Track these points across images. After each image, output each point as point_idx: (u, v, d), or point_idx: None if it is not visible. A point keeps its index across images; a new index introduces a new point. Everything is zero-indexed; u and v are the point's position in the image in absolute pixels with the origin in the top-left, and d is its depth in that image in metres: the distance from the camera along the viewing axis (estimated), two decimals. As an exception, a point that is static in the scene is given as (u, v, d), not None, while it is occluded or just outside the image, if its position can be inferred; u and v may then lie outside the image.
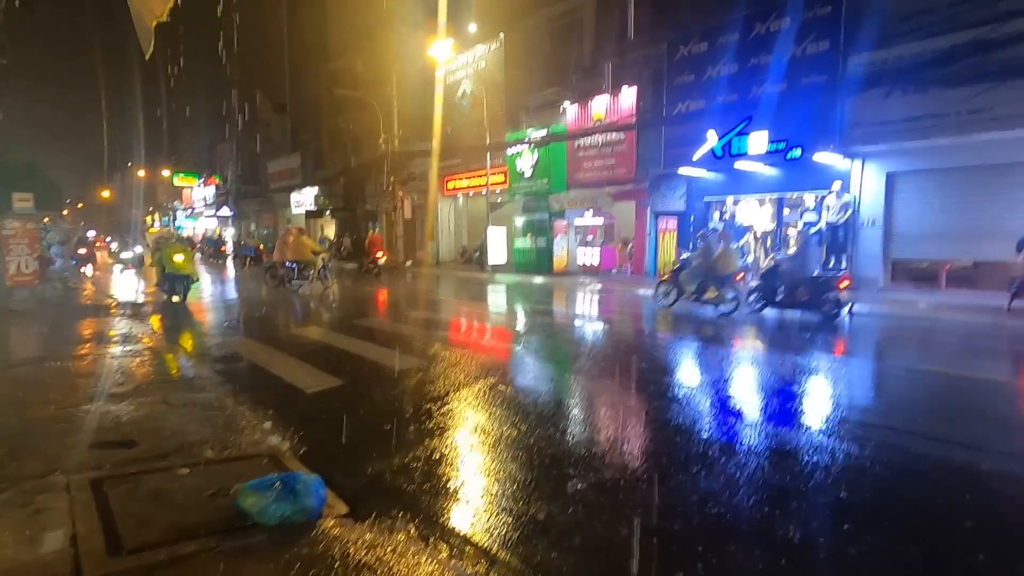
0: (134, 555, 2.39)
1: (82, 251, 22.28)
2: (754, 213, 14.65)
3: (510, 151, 19.25)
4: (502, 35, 19.25)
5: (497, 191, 20.08)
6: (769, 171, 13.61)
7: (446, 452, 3.74)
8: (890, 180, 12.00)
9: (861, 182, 12.29)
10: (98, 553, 2.38)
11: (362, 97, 24.53)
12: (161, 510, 2.77)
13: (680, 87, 14.35)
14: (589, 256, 18.20)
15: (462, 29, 19.81)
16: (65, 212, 50.20)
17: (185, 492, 2.96)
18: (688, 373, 6.11)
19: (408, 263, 23.42)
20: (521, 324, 9.60)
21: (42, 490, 2.95)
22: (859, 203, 12.30)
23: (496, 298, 13.56)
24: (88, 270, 21.02)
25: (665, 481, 3.25)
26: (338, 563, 2.35)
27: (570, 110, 17.62)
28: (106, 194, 58.43)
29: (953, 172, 11.17)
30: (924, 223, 11.65)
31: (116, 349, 6.71)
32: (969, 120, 10.11)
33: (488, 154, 19.52)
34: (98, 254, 25.23)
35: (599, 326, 9.38)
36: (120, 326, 8.52)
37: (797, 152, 12.38)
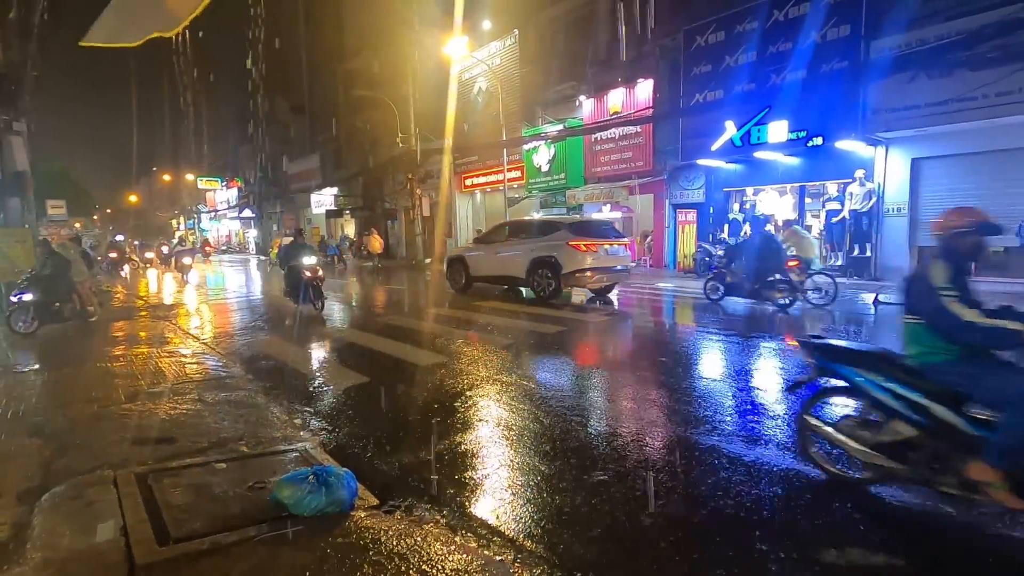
0: (180, 544, 2.54)
1: (113, 255, 22.99)
2: (775, 203, 14.46)
3: (526, 147, 19.26)
4: (516, 31, 19.23)
5: (514, 187, 20.13)
6: (790, 160, 13.42)
7: (470, 446, 3.83)
8: (915, 166, 11.74)
9: (885, 169, 12.05)
10: (147, 542, 2.53)
11: (378, 97, 24.74)
12: (202, 502, 2.92)
13: (697, 77, 14.20)
14: (607, 250, 18.15)
15: (476, 26, 19.84)
16: (95, 217, 51.71)
17: (224, 485, 3.11)
18: (707, 364, 6.11)
19: (427, 260, 23.63)
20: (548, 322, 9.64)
21: (92, 484, 3.13)
22: (883, 190, 12.07)
23: (518, 294, 13.59)
24: (124, 272, 21.62)
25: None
26: (371, 552, 2.47)
27: (586, 104, 17.56)
28: (133, 199, 59.96)
29: (980, 156, 10.90)
30: (951, 210, 11.43)
31: (151, 350, 6.95)
32: (997, 103, 9.85)
33: (504, 150, 19.56)
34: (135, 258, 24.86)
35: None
36: (153, 328, 8.82)
37: (819, 140, 12.18)
